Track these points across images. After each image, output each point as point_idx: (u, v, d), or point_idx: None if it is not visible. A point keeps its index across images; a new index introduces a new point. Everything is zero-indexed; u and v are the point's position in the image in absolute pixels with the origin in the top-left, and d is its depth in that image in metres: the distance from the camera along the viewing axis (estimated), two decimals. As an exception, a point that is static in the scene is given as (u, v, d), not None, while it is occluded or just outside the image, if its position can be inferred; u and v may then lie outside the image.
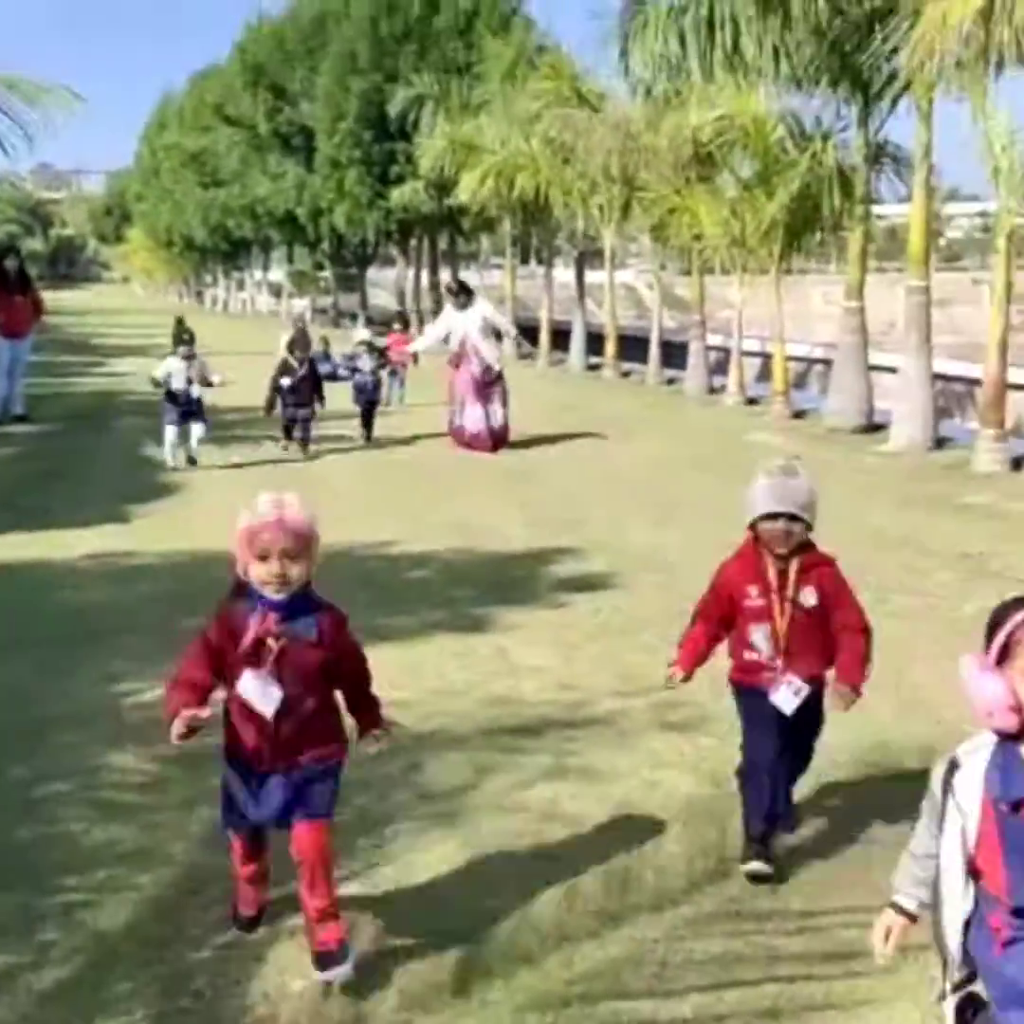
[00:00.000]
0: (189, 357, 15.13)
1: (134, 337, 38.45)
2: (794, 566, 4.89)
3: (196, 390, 15.13)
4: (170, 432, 15.16)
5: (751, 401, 22.11)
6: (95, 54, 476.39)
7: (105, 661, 7.73)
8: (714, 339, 25.36)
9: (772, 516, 4.84)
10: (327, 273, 56.66)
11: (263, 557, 4.08)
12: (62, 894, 4.82)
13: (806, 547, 4.92)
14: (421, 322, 40.29)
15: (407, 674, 7.36)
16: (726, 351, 23.78)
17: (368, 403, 18.01)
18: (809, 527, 4.88)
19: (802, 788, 5.41)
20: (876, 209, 22.30)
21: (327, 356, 26.57)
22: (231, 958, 4.36)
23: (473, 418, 16.98)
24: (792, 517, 4.82)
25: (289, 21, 44.65)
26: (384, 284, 54.81)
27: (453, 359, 17.29)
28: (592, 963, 4.37)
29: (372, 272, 52.79)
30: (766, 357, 23.24)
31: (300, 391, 16.12)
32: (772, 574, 4.90)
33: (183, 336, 15.37)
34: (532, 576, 9.89)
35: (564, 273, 39.06)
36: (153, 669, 7.50)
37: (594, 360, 29.23)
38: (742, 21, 18.11)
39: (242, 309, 71.58)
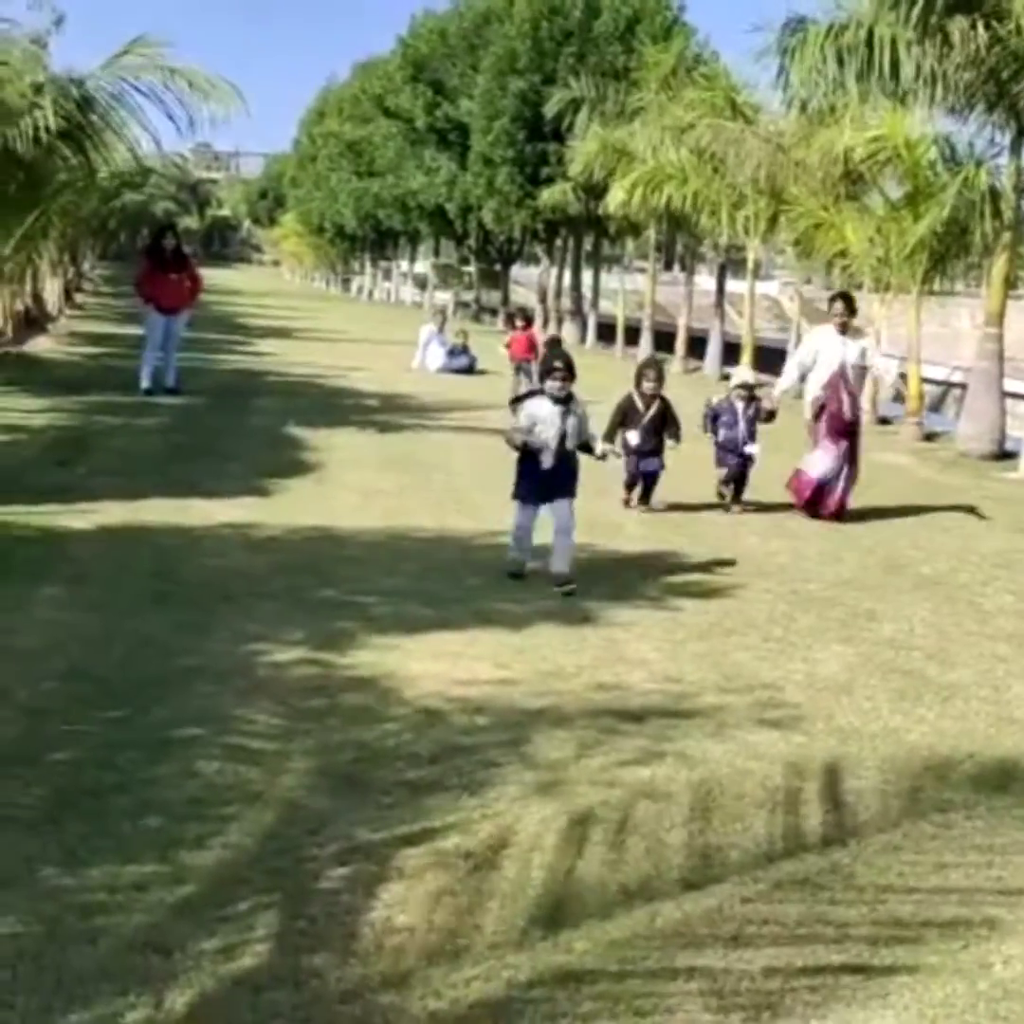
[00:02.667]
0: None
1: (279, 319, 39.44)
2: None
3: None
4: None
5: (883, 420, 22.13)
6: (263, 37, 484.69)
7: (239, 622, 8.25)
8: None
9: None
10: (471, 268, 57.40)
11: None
12: (194, 824, 5.30)
13: None
14: (560, 322, 40.73)
15: (517, 655, 7.79)
16: (864, 369, 23.80)
17: (739, 464, 13.32)
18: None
19: (892, 781, 5.73)
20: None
21: (465, 349, 27.13)
22: (343, 891, 4.81)
23: (823, 464, 12.99)
24: None
25: (453, 18, 45.41)
26: (527, 282, 55.36)
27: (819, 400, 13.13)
28: (672, 920, 4.74)
29: (516, 270, 53.37)
30: (903, 378, 23.24)
31: (647, 436, 12.64)
32: None
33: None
34: (645, 573, 10.23)
35: (707, 280, 39.16)
36: (283, 632, 8.06)
37: (729, 369, 29.37)
38: (901, 44, 18.20)
39: (386, 298, 72.70)
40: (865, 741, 6.72)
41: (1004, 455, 18.23)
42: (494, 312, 49.09)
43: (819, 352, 13.13)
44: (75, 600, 8.54)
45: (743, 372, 15.36)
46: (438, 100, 44.71)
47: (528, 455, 9.71)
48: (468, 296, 56.55)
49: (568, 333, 39.35)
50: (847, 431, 12.92)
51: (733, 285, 33.72)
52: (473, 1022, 4.08)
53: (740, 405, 13.23)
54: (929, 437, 20.39)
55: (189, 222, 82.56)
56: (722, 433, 13.16)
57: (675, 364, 31.13)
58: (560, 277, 44.45)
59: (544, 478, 9.62)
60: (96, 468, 13.57)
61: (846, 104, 20.96)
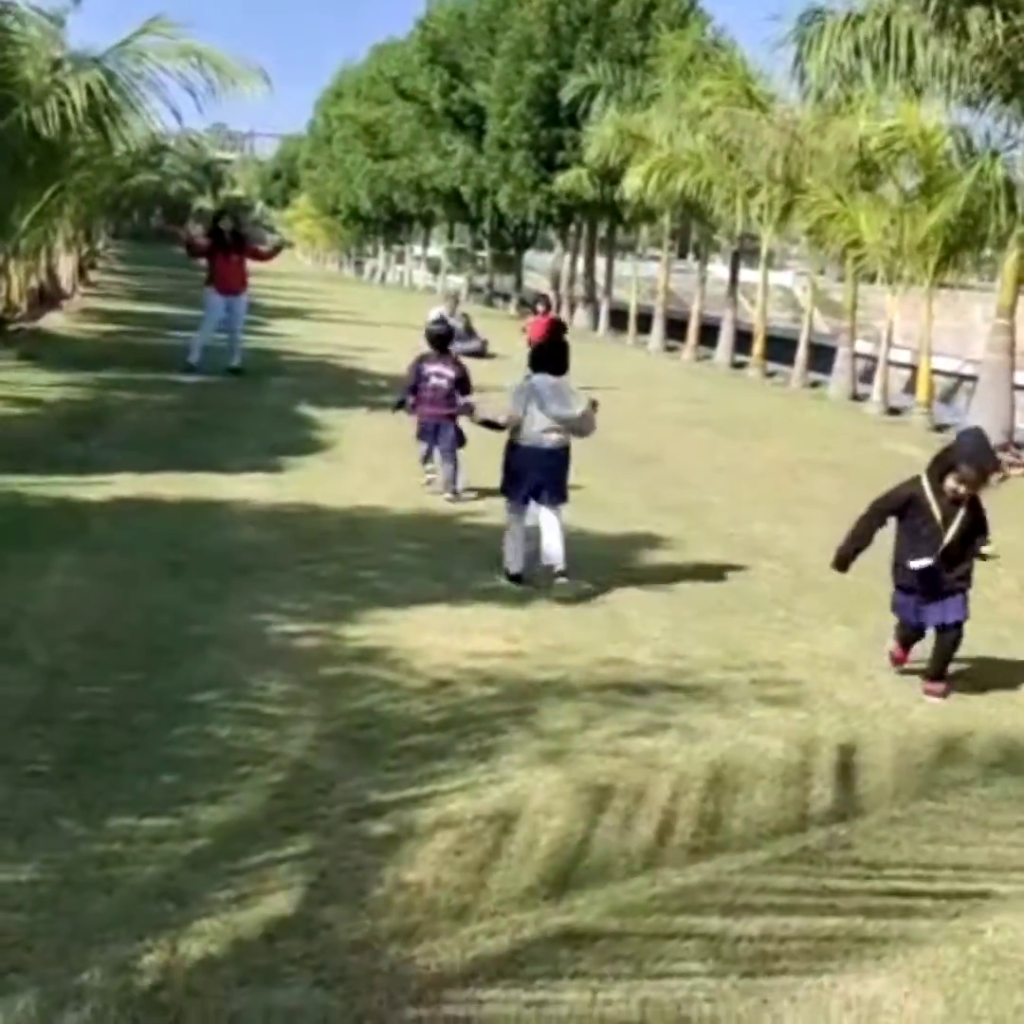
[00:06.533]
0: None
1: (293, 301, 39.52)
2: None
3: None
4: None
5: (893, 411, 22.23)
6: (279, 20, 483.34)
7: (252, 593, 8.38)
8: (864, 347, 25.48)
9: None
10: (485, 253, 57.42)
11: None
12: (208, 782, 5.44)
13: None
14: (572, 308, 40.79)
15: (525, 631, 7.94)
16: (874, 359, 23.91)
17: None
18: None
19: (892, 757, 5.87)
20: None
21: (471, 332, 27.21)
22: (354, 847, 4.94)
23: None
24: None
25: (471, 1, 45.39)
26: (540, 268, 55.38)
27: None
28: (673, 886, 4.87)
29: (529, 255, 53.40)
30: (914, 369, 23.33)
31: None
32: None
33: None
34: (651, 555, 10.36)
35: (720, 269, 39.19)
36: (295, 603, 8.19)
37: (741, 358, 29.47)
38: (917, 35, 18.22)
39: (399, 282, 72.74)
40: (866, 718, 6.85)
41: (1014, 446, 18.30)
42: (507, 297, 49.13)
43: None
44: (91, 569, 8.67)
45: None
46: (455, 83, 44.71)
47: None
48: (481, 281, 56.61)
49: (580, 320, 39.42)
50: None
51: (746, 274, 33.79)
52: (479, 975, 4.21)
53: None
54: (939, 428, 20.47)
55: (202, 202, 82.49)
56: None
57: (686, 352, 31.23)
58: (574, 263, 44.48)
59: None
60: (111, 442, 13.68)
61: (862, 95, 21.01)
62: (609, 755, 6.05)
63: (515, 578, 9.08)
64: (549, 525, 9.08)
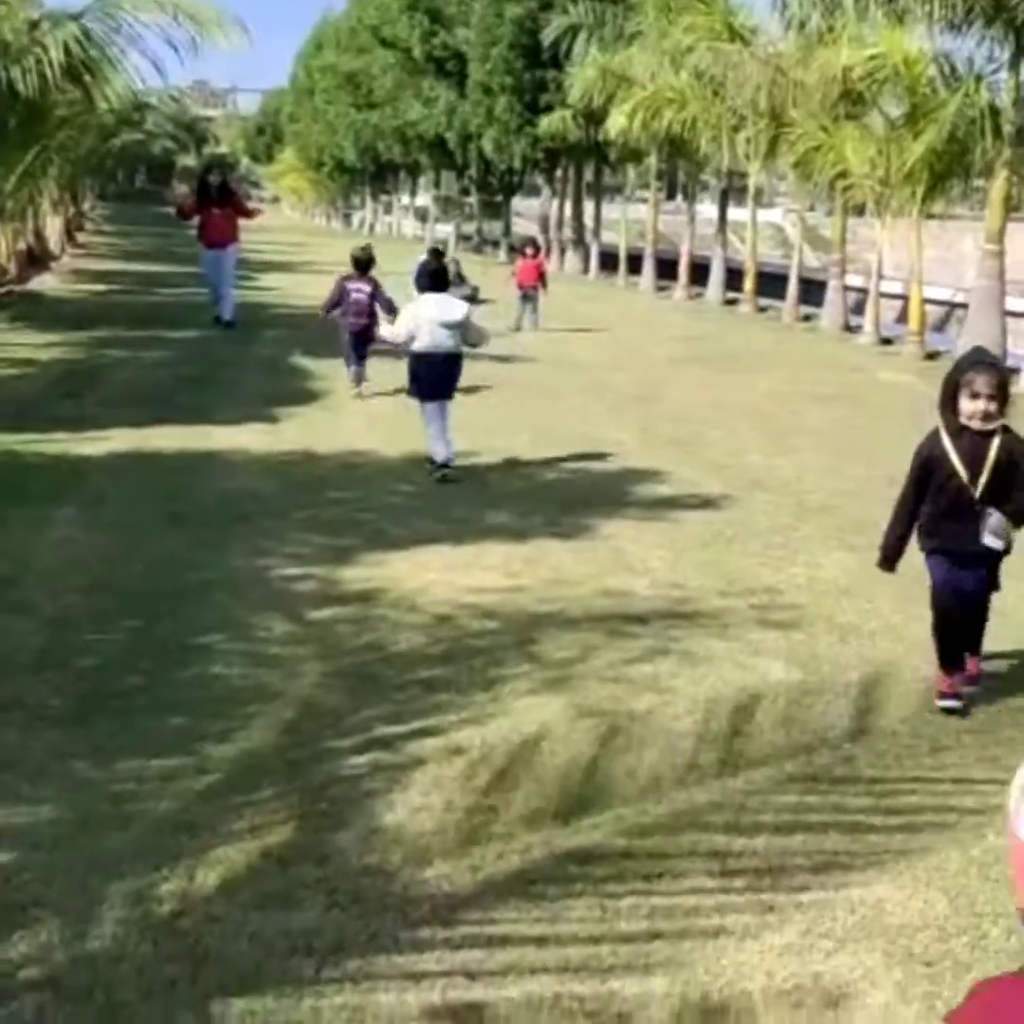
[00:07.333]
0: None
1: (281, 254, 39.36)
2: None
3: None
4: None
5: (886, 341, 22.21)
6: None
7: (253, 539, 8.45)
8: (855, 280, 25.41)
9: None
10: (472, 200, 57.11)
11: None
12: (216, 721, 5.52)
13: None
14: (562, 252, 40.67)
15: (526, 565, 8.00)
16: (866, 292, 23.87)
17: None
18: None
19: (893, 674, 5.95)
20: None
21: (461, 278, 27.19)
22: (364, 777, 5.03)
23: None
24: None
25: (449, -55, 44.90)
26: (528, 213, 55.10)
27: None
28: (679, 806, 4.96)
29: (517, 201, 53.10)
30: (906, 299, 23.28)
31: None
32: None
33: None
34: (648, 488, 10.42)
35: (709, 209, 39.01)
36: (296, 548, 8.26)
37: (732, 295, 29.39)
38: (898, -41, 18.12)
39: (388, 232, 72.40)
40: (865, 638, 6.92)
41: (1005, 371, 18.30)
42: (496, 244, 48.91)
43: None
44: (92, 522, 8.74)
45: None
46: (435, 28, 44.27)
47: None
48: (469, 228, 56.34)
49: (571, 263, 39.29)
50: None
51: (736, 213, 33.62)
52: (490, 893, 4.30)
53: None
54: (931, 356, 20.46)
55: (187, 161, 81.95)
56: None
57: (677, 291, 31.16)
58: (561, 207, 44.25)
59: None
60: (105, 399, 13.71)
61: (844, 23, 20.90)
62: (611, 681, 6.13)
63: (442, 466, 10.39)
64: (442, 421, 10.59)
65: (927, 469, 6.00)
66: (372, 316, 13.96)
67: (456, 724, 5.53)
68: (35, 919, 4.02)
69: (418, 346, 10.55)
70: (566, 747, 5.39)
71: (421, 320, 10.53)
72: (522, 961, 3.96)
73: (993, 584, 6.20)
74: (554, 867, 4.49)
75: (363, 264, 14.85)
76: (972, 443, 5.84)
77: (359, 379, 14.64)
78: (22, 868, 4.31)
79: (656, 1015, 3.73)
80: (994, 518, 5.82)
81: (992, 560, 6.06)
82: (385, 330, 11.72)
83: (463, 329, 10.75)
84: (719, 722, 5.70)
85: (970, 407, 5.80)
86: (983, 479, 5.83)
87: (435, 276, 10.97)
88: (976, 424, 5.80)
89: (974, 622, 6.26)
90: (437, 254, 13.57)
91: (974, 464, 5.84)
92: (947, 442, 5.91)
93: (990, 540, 5.84)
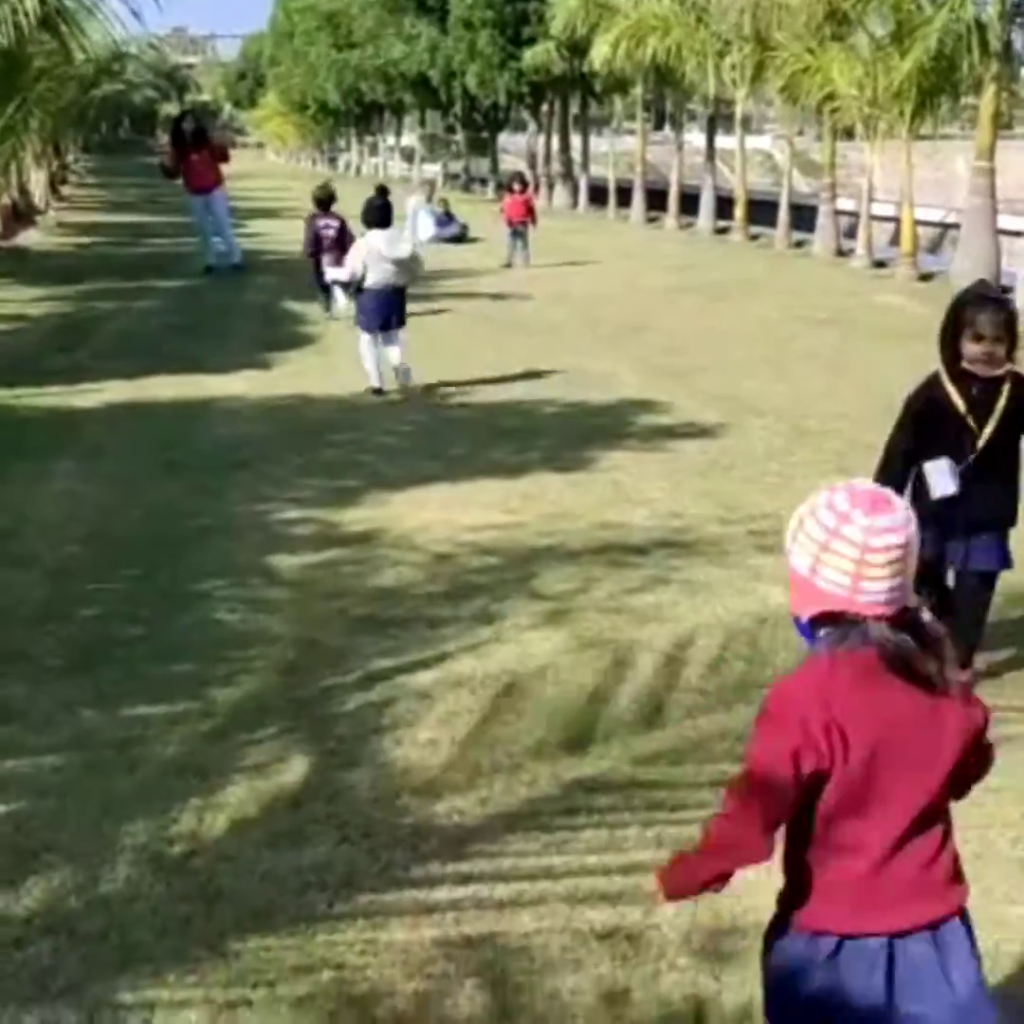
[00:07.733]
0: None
1: (267, 201, 39.08)
2: None
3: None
4: None
5: (879, 264, 22.09)
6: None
7: (251, 485, 8.45)
8: (847, 204, 25.23)
9: None
10: (459, 137, 56.63)
11: None
12: (219, 665, 5.55)
13: None
14: (551, 187, 40.39)
15: (525, 501, 8.01)
16: (858, 215, 23.71)
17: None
18: None
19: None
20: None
21: (450, 217, 27.07)
22: (369, 713, 5.06)
23: None
24: None
25: None
26: (515, 150, 54.66)
27: None
28: (684, 735, 4.98)
29: (503, 137, 52.64)
30: (898, 221, 23.12)
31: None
32: None
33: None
34: (644, 420, 10.40)
35: (697, 138, 38.71)
36: (294, 492, 8.26)
37: (723, 224, 29.20)
38: None
39: (374, 174, 71.86)
40: (864, 559, 6.90)
41: (1001, 291, 18.21)
42: (484, 182, 48.54)
43: None
44: (89, 473, 8.73)
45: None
46: (414, -36, 43.77)
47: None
48: (457, 166, 55.89)
49: (560, 197, 39.03)
50: None
51: (724, 141, 33.33)
52: (499, 825, 4.34)
53: None
54: (925, 277, 20.36)
55: (169, 109, 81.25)
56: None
57: (668, 220, 30.96)
58: (548, 142, 43.90)
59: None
60: (98, 351, 13.67)
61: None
62: (612, 612, 6.15)
63: (378, 391, 11.21)
64: (398, 344, 11.41)
65: (924, 417, 5.27)
66: (343, 249, 14.27)
67: (458, 658, 5.56)
68: (48, 865, 4.05)
69: (369, 282, 11.11)
70: (570, 678, 5.42)
71: (372, 256, 11.06)
72: (532, 891, 3.99)
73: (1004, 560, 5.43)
74: (561, 797, 4.53)
75: (325, 202, 16.08)
76: (978, 389, 5.15)
77: (333, 308, 15.55)
78: (32, 815, 4.35)
79: (668, 936, 3.77)
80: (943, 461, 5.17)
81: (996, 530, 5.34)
82: (333, 271, 12.54)
83: (410, 264, 11.40)
84: (722, 649, 5.73)
85: (973, 349, 5.07)
86: (988, 430, 5.16)
87: (381, 211, 11.41)
88: (980, 369, 5.10)
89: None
90: (382, 191, 13.78)
91: (979, 413, 5.16)
92: (950, 386, 5.20)
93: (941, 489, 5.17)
